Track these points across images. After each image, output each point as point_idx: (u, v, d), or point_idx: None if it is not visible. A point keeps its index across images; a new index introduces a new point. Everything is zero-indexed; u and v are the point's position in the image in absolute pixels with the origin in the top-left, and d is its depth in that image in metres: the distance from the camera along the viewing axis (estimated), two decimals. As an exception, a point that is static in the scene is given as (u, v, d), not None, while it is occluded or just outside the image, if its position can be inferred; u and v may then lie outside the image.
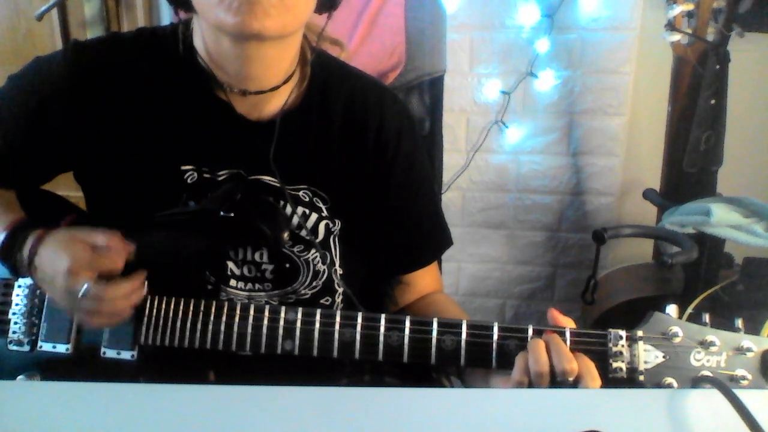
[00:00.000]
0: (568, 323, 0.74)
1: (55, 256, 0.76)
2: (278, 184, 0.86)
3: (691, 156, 1.56)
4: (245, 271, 0.89)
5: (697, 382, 0.69)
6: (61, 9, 1.99)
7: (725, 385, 0.64)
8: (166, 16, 1.99)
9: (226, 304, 0.78)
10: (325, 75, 0.90)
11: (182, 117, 0.86)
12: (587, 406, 0.66)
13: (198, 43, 0.84)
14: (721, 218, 1.41)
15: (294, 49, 0.84)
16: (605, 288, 1.79)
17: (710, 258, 1.55)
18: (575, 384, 0.69)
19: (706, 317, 0.71)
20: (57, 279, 0.75)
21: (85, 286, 0.73)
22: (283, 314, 0.77)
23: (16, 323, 0.82)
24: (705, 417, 0.63)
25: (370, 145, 0.90)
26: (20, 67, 0.88)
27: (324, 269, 0.91)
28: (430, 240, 1.00)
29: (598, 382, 0.69)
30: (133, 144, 0.85)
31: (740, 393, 0.61)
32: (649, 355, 0.71)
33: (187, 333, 0.78)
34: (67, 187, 0.94)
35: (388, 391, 0.70)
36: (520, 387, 0.70)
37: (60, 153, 0.87)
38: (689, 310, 1.43)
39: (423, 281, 1.00)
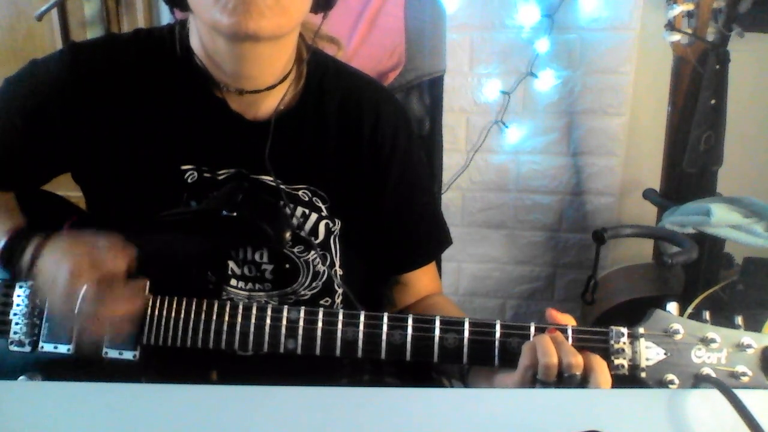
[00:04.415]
0: (569, 321, 0.74)
1: (57, 259, 0.75)
2: (275, 184, 0.86)
3: (691, 156, 1.56)
4: (246, 270, 0.89)
5: (697, 381, 0.69)
6: (61, 9, 1.99)
7: (725, 385, 0.64)
8: (166, 16, 1.99)
9: (228, 303, 0.78)
10: (320, 74, 0.90)
11: (180, 117, 0.86)
12: (587, 406, 0.66)
13: (194, 42, 0.84)
14: (721, 218, 1.41)
15: (290, 48, 0.84)
16: (605, 288, 1.79)
17: (710, 258, 1.55)
18: (584, 382, 0.69)
19: (707, 314, 0.71)
20: (58, 282, 0.74)
21: (85, 287, 0.72)
22: (285, 313, 0.77)
23: (17, 324, 0.81)
24: (705, 417, 0.63)
25: (366, 143, 0.90)
26: (20, 67, 0.88)
27: (324, 270, 0.91)
28: (429, 239, 0.99)
29: (609, 382, 0.69)
30: (132, 144, 0.86)
31: (740, 393, 0.62)
32: (650, 352, 0.71)
33: (189, 333, 0.78)
34: (67, 187, 0.94)
35: (388, 391, 0.70)
36: (524, 379, 0.70)
37: (58, 155, 0.87)
38: (689, 310, 1.43)
39: (421, 282, 1.00)
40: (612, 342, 0.72)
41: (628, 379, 0.71)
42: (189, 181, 0.86)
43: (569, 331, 0.72)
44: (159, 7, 2.03)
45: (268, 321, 0.77)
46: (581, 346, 0.71)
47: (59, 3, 1.77)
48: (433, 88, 1.19)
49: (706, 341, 0.70)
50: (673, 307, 0.72)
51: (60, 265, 0.74)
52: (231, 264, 0.88)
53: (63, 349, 0.81)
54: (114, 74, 0.85)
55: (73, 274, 0.73)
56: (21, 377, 0.79)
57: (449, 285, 2.14)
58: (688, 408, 0.65)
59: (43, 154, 0.87)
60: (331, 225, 0.90)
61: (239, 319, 0.78)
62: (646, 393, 0.69)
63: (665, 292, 1.68)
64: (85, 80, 0.85)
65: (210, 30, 0.78)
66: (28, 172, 0.90)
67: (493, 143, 2.00)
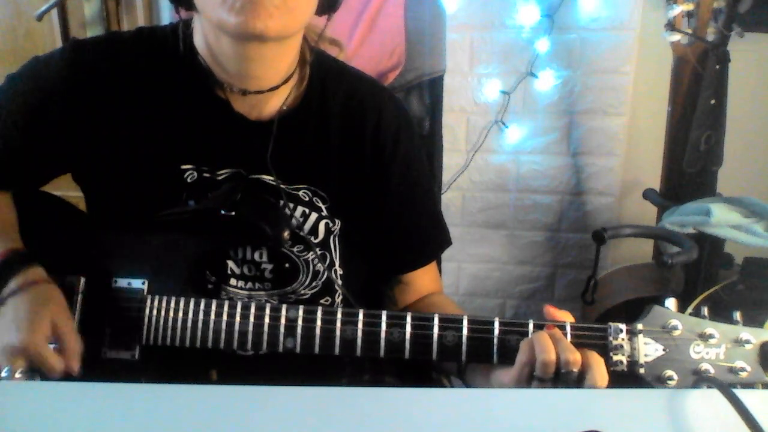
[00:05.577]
0: (567, 317, 0.74)
1: (16, 317, 0.74)
2: (276, 184, 0.86)
3: (691, 156, 1.56)
4: (245, 270, 0.89)
5: (697, 380, 0.69)
6: (61, 9, 1.99)
7: (725, 385, 0.64)
8: (166, 16, 1.99)
9: (226, 303, 0.78)
10: (323, 75, 0.90)
11: (182, 116, 0.86)
12: (587, 406, 0.66)
13: (198, 42, 0.84)
14: (721, 218, 1.41)
15: (294, 49, 0.84)
16: (605, 288, 1.79)
17: (710, 258, 1.55)
18: (580, 380, 0.69)
19: (705, 310, 0.71)
20: (2, 336, 0.73)
21: (7, 369, 0.71)
22: (284, 312, 0.77)
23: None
24: (705, 417, 0.63)
25: (368, 144, 0.91)
26: (20, 66, 0.88)
27: (324, 269, 0.91)
28: (429, 239, 1.00)
29: (606, 379, 0.69)
30: (133, 143, 0.85)
31: (740, 393, 0.61)
32: (649, 348, 0.71)
33: (189, 332, 0.78)
34: (66, 188, 0.94)
35: (388, 391, 0.69)
36: (521, 376, 0.70)
37: (59, 153, 0.87)
38: (689, 309, 1.43)
39: (422, 281, 1.00)
40: (610, 338, 0.71)
41: (627, 375, 0.71)
42: (188, 180, 0.86)
43: (567, 328, 0.72)
44: (159, 8, 2.03)
45: (267, 320, 0.77)
46: (580, 342, 0.71)
47: (59, 3, 1.78)
48: (433, 88, 1.19)
49: (704, 337, 0.70)
50: (671, 302, 0.72)
51: (13, 328, 0.73)
52: (230, 263, 0.88)
53: (62, 348, 0.80)
54: (115, 72, 0.85)
55: (15, 346, 0.72)
56: (18, 376, 0.79)
57: (449, 285, 2.14)
58: (688, 408, 0.65)
59: (44, 151, 0.87)
60: (330, 225, 0.90)
61: (238, 318, 0.78)
62: (646, 393, 0.69)
63: (665, 292, 1.68)
64: (86, 78, 0.84)
65: (215, 29, 0.78)
66: (28, 170, 0.90)
67: (493, 143, 2.00)
